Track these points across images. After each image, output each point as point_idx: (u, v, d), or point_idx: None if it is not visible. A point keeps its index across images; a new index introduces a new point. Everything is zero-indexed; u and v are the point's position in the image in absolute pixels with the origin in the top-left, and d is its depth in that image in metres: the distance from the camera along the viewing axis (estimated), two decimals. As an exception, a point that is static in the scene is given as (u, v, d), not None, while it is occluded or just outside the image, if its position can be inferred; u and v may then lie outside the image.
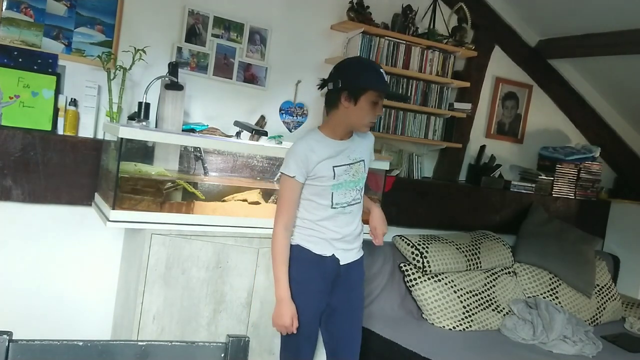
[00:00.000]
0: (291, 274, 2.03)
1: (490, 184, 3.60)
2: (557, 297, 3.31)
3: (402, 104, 3.20)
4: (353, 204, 2.08)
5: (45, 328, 2.46)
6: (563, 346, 2.85)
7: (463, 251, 3.15)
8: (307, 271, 2.05)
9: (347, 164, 2.03)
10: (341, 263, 2.08)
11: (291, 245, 2.06)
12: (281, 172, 2.03)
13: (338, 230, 2.06)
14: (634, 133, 4.16)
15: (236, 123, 2.62)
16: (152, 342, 1.04)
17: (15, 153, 2.34)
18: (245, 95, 2.88)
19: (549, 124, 3.97)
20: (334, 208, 2.03)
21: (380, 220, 2.18)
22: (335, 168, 2.01)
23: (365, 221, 2.20)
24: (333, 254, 2.06)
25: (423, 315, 2.99)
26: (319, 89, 2.07)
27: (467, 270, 3.14)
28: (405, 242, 3.08)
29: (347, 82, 1.95)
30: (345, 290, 2.12)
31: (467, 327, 2.95)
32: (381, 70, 1.97)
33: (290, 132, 3.02)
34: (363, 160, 2.08)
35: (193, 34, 2.72)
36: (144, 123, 2.32)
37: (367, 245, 2.90)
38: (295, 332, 2.00)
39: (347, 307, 2.14)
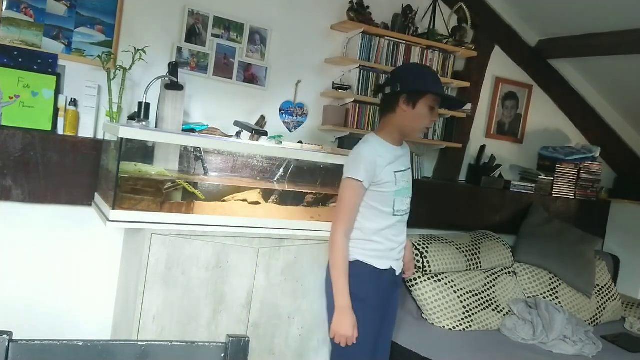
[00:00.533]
0: (350, 290, 1.96)
1: (490, 184, 3.60)
2: (557, 297, 3.31)
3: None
4: (408, 212, 2.10)
5: (45, 328, 2.46)
6: (563, 346, 2.85)
7: (463, 251, 3.15)
8: (367, 287, 2.02)
9: (403, 170, 2.05)
10: (397, 274, 2.11)
11: (349, 262, 2.00)
12: (348, 177, 1.97)
13: (395, 239, 2.07)
14: (634, 133, 4.16)
15: (236, 123, 2.62)
16: (152, 342, 1.04)
17: (15, 153, 2.34)
18: (245, 95, 2.88)
19: (549, 124, 3.98)
20: (395, 215, 2.03)
21: (411, 254, 2.22)
22: (396, 174, 2.01)
23: None
24: (390, 266, 2.08)
25: (423, 315, 2.99)
26: (374, 95, 2.09)
27: (467, 270, 3.14)
28: (405, 242, 3.08)
29: (406, 85, 1.94)
30: (393, 295, 2.18)
31: (467, 327, 2.95)
32: (437, 77, 2.00)
33: (290, 132, 3.02)
34: (410, 168, 2.13)
35: (193, 34, 2.72)
36: (144, 123, 2.32)
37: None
38: (355, 342, 1.95)
39: (390, 309, 2.20)
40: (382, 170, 1.97)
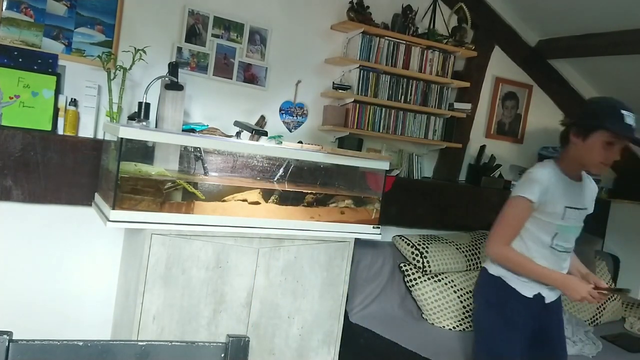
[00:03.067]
0: (490, 301, 2.06)
1: (490, 184, 3.60)
2: (557, 297, 3.31)
3: (402, 103, 3.20)
4: (570, 251, 2.05)
5: (45, 328, 2.46)
6: (563, 346, 2.85)
7: (463, 251, 3.15)
8: (511, 307, 2.03)
9: (578, 209, 2.00)
10: (546, 301, 2.05)
11: (493, 276, 2.05)
12: (519, 195, 1.96)
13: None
14: (634, 133, 4.16)
15: (236, 123, 2.62)
16: (152, 342, 1.04)
17: (15, 153, 2.34)
18: (245, 95, 2.88)
19: (548, 124, 3.97)
20: (553, 249, 2.00)
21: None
22: (567, 209, 1.97)
23: None
24: (539, 292, 2.03)
25: (423, 315, 2.99)
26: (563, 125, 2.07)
27: (467, 270, 3.14)
28: (405, 242, 3.08)
29: (580, 118, 1.96)
30: (556, 326, 2.13)
31: (467, 327, 2.95)
32: (626, 112, 1.85)
33: (290, 132, 3.02)
34: (586, 209, 2.05)
35: (193, 34, 2.72)
36: (144, 123, 2.32)
37: (367, 244, 2.91)
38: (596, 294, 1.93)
39: (550, 337, 2.12)
40: (552, 199, 1.95)
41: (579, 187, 2.02)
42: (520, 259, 1.98)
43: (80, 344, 1.00)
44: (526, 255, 1.99)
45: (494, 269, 2.06)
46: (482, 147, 3.66)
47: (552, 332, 2.12)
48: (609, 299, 3.51)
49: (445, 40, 3.29)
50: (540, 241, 1.98)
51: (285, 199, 2.52)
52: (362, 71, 3.03)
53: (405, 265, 3.04)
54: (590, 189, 2.09)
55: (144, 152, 2.37)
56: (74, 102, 2.46)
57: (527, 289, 2.01)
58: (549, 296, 2.05)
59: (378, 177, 2.71)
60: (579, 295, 1.90)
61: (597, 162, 1.91)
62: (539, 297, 2.03)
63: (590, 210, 2.09)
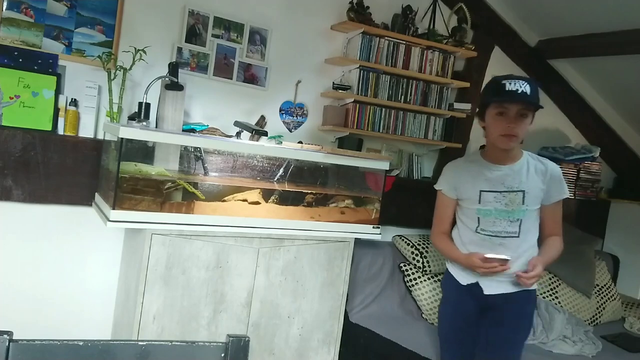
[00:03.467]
0: (443, 288, 2.27)
1: (490, 184, 3.60)
2: (557, 297, 3.31)
3: (402, 103, 3.20)
4: (505, 237, 2.01)
5: (45, 328, 2.46)
6: (563, 346, 2.86)
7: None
8: (450, 291, 2.18)
9: (499, 191, 2.00)
10: (485, 292, 2.06)
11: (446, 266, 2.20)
12: (436, 188, 2.15)
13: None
14: (634, 133, 4.16)
15: (236, 123, 2.62)
16: (152, 342, 1.04)
17: (16, 153, 2.34)
18: (245, 95, 2.88)
19: (548, 124, 3.97)
20: (479, 233, 2.03)
21: (540, 265, 2.01)
22: (482, 192, 2.02)
23: None
24: (477, 282, 2.06)
25: (423, 315, 3.00)
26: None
27: (467, 270, 3.14)
28: (405, 242, 3.08)
29: (478, 105, 2.07)
30: (495, 324, 2.09)
31: (467, 327, 2.95)
32: (509, 81, 1.92)
33: (290, 132, 3.03)
34: (523, 191, 2.00)
35: (193, 34, 2.72)
36: (144, 123, 2.32)
37: (367, 244, 2.91)
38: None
39: (493, 342, 2.09)
40: (462, 185, 2.06)
41: (503, 170, 2.02)
42: (444, 245, 2.13)
43: (81, 344, 1.00)
44: (459, 242, 2.09)
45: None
46: (482, 147, 3.65)
47: (485, 328, 2.10)
48: (609, 299, 3.52)
49: (445, 41, 3.30)
50: (468, 228, 2.05)
51: (285, 199, 2.52)
52: (362, 71, 3.04)
53: (405, 265, 3.04)
54: (535, 171, 2.04)
55: (144, 152, 2.37)
56: (74, 102, 2.46)
57: (462, 277, 2.10)
58: (488, 287, 2.06)
59: (378, 177, 2.71)
60: (474, 266, 1.98)
61: (497, 135, 1.96)
62: (475, 286, 2.07)
63: (535, 191, 2.02)
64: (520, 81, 1.91)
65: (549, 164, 2.07)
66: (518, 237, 2.02)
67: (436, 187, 2.17)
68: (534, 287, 2.08)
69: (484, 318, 2.10)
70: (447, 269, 2.21)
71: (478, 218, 2.02)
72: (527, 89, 1.89)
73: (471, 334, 2.11)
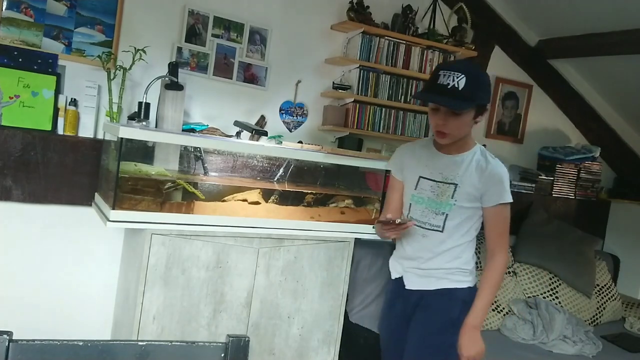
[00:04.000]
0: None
1: (490, 184, 3.60)
2: (557, 297, 3.31)
3: (402, 103, 3.20)
4: (429, 229, 1.90)
5: (45, 328, 2.46)
6: (563, 346, 2.86)
7: (463, 251, 3.15)
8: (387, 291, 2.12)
9: (435, 181, 1.90)
10: (406, 287, 1.97)
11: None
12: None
13: (409, 248, 1.96)
14: (634, 133, 4.16)
15: (236, 123, 2.62)
16: (152, 342, 1.04)
17: (16, 153, 2.34)
18: (245, 95, 2.88)
19: (549, 124, 3.97)
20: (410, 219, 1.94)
21: (465, 340, 1.85)
22: (421, 178, 1.92)
23: None
24: (401, 276, 2.00)
25: (423, 315, 2.99)
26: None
27: (467, 270, 3.14)
28: (405, 242, 3.07)
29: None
30: (415, 324, 1.97)
31: (467, 327, 2.95)
32: (444, 72, 1.76)
33: (290, 132, 3.02)
34: (455, 185, 1.87)
35: (193, 34, 2.72)
36: (144, 123, 2.32)
37: (367, 244, 2.91)
38: None
39: (411, 345, 1.96)
40: (406, 168, 1.98)
41: (446, 160, 1.90)
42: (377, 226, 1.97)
43: (80, 344, 1.00)
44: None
45: None
46: (482, 147, 3.66)
47: (410, 327, 1.98)
48: (609, 299, 3.52)
49: (445, 40, 3.29)
50: (402, 212, 1.99)
51: (285, 199, 2.52)
52: (362, 71, 3.04)
53: (405, 265, 3.03)
54: (475, 167, 1.87)
55: (144, 152, 2.37)
56: (74, 102, 2.46)
57: (392, 271, 2.04)
58: (410, 282, 1.97)
59: (378, 177, 2.71)
60: (378, 230, 1.92)
61: (433, 130, 1.87)
62: (400, 281, 1.99)
63: (469, 189, 1.86)
64: (456, 73, 1.72)
65: (492, 163, 1.87)
66: (442, 232, 1.89)
67: (386, 167, 2.13)
68: (467, 285, 1.93)
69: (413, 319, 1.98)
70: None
71: (410, 205, 1.92)
72: (460, 83, 1.71)
73: (404, 334, 1.99)
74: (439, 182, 1.88)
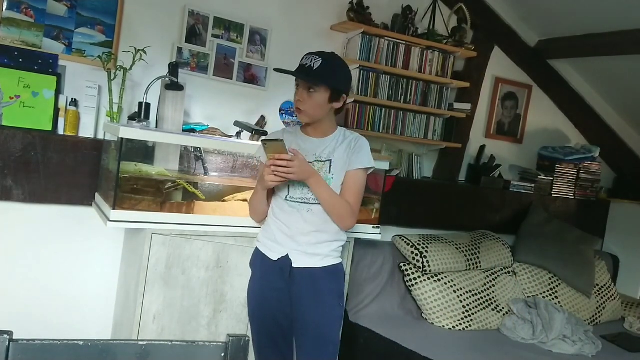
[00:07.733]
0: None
1: (490, 184, 3.61)
2: (556, 297, 3.32)
3: (402, 103, 3.20)
4: (312, 203, 1.97)
5: (45, 328, 2.46)
6: (563, 346, 2.86)
7: (463, 251, 3.16)
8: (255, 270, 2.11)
9: (309, 161, 1.97)
10: (293, 265, 1.98)
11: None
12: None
13: (290, 226, 1.99)
14: (634, 133, 4.17)
15: (236, 123, 2.62)
16: (153, 342, 1.05)
17: (16, 153, 2.34)
18: (246, 95, 2.88)
19: (548, 124, 3.98)
20: (288, 201, 1.99)
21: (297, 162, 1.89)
22: None
23: None
24: (287, 254, 1.99)
25: (423, 315, 3.00)
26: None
27: (466, 270, 3.15)
28: (405, 242, 3.08)
29: None
30: (299, 302, 2.01)
31: (466, 327, 2.95)
32: (307, 55, 1.95)
33: (290, 132, 3.03)
34: (330, 161, 1.99)
35: (193, 35, 2.72)
36: (145, 123, 2.32)
37: (367, 244, 2.91)
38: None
39: (300, 323, 2.03)
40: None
41: (315, 142, 2.03)
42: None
43: (80, 343, 1.00)
44: (270, 213, 2.06)
45: None
46: (482, 147, 3.66)
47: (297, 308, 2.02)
48: (609, 299, 3.52)
49: (445, 41, 3.30)
50: (279, 196, 2.03)
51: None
52: (362, 71, 3.04)
53: (405, 265, 3.04)
54: (343, 143, 2.02)
55: (145, 152, 2.37)
56: (74, 102, 2.46)
57: (272, 252, 2.02)
58: (297, 260, 1.98)
59: (378, 177, 2.71)
60: (265, 177, 1.90)
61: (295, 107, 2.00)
62: (285, 260, 1.98)
63: (340, 162, 1.98)
64: (315, 57, 1.92)
65: (356, 136, 2.06)
66: (318, 206, 1.99)
67: (254, 155, 2.18)
68: (338, 260, 2.04)
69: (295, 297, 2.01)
70: (256, 247, 2.10)
71: (288, 186, 1.99)
72: (316, 64, 1.90)
73: (285, 312, 2.02)
74: (312, 161, 1.99)
